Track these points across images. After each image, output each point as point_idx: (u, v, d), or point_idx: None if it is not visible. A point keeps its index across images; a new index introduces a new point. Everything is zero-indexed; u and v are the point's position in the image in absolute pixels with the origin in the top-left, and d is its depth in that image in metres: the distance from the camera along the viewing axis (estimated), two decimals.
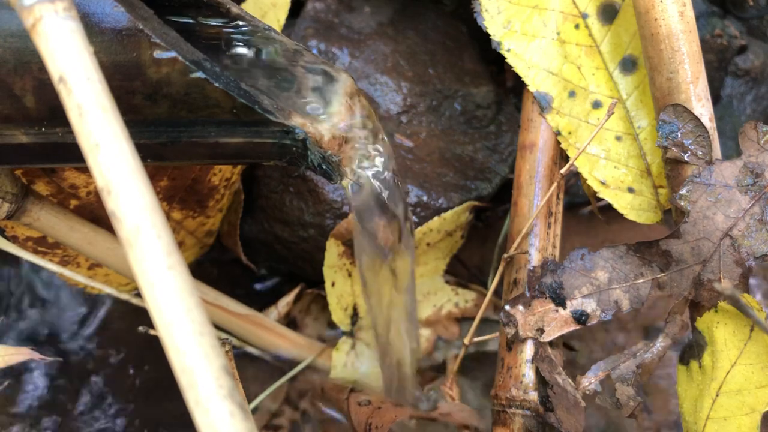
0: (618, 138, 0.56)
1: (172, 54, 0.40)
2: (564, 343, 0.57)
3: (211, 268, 0.76)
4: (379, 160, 0.49)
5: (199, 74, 0.40)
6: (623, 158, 0.56)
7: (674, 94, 0.51)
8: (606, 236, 0.75)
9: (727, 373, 0.48)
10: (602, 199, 0.57)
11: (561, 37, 0.57)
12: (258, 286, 0.76)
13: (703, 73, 0.51)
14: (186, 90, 0.41)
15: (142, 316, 0.68)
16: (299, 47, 0.48)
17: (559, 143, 0.57)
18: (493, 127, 0.71)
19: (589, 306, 0.51)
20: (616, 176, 0.56)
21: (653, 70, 0.52)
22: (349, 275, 0.67)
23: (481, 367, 0.71)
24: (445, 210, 0.66)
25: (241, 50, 0.48)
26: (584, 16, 0.57)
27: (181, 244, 0.67)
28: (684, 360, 0.51)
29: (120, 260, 0.57)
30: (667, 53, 0.51)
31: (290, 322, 0.72)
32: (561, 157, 0.58)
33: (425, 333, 0.72)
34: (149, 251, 0.28)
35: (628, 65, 0.56)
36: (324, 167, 0.47)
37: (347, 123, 0.47)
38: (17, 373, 0.68)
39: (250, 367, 0.69)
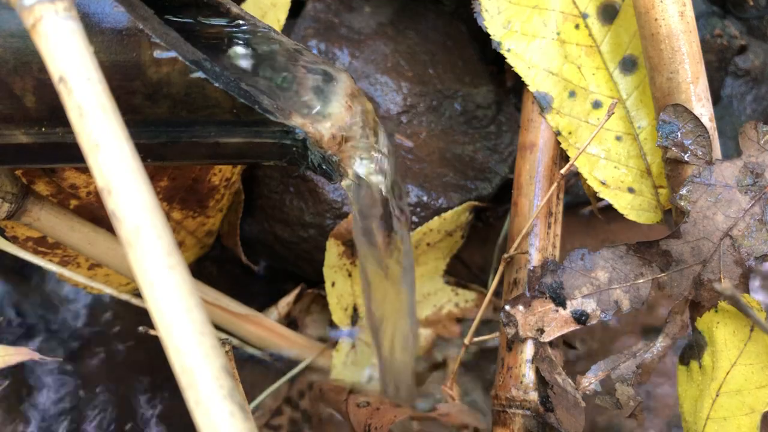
0: (618, 138, 0.56)
1: (172, 54, 0.40)
2: (564, 341, 0.57)
3: (211, 268, 0.76)
4: (379, 160, 0.49)
5: (199, 74, 0.40)
6: (623, 158, 0.56)
7: (674, 94, 0.51)
8: (606, 236, 0.75)
9: (727, 373, 0.48)
10: (602, 199, 0.57)
11: (561, 37, 0.57)
12: (258, 286, 0.76)
13: (703, 73, 0.51)
14: (186, 90, 0.41)
15: (142, 316, 0.68)
16: (299, 47, 0.48)
17: (559, 143, 0.57)
18: (493, 127, 0.71)
19: (589, 306, 0.51)
20: (616, 176, 0.56)
21: (653, 70, 0.52)
22: (349, 275, 0.67)
23: (481, 367, 0.71)
24: (445, 210, 0.66)
25: (242, 50, 0.48)
26: (584, 16, 0.57)
27: (181, 244, 0.67)
28: (684, 360, 0.51)
29: (120, 260, 0.57)
30: (667, 53, 0.51)
31: (290, 322, 0.72)
32: (561, 157, 0.58)
33: (425, 333, 0.72)
34: (149, 251, 0.28)
35: (628, 65, 0.56)
36: (324, 167, 0.47)
37: (347, 123, 0.47)
38: (18, 373, 0.68)
39: (250, 367, 0.69)
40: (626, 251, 0.51)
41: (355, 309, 0.69)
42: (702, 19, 0.73)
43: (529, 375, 0.53)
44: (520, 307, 0.52)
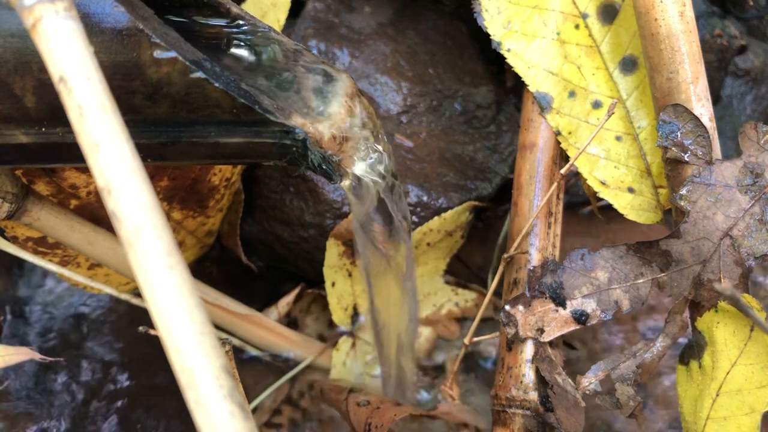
0: (618, 138, 0.56)
1: (173, 54, 0.40)
2: (564, 341, 0.57)
3: (211, 268, 0.76)
4: (379, 160, 0.49)
5: (200, 74, 0.40)
6: (623, 158, 0.56)
7: (674, 94, 0.51)
8: (606, 236, 0.75)
9: (727, 373, 0.48)
10: (602, 199, 0.57)
11: (561, 37, 0.57)
12: (258, 286, 0.76)
13: (703, 73, 0.51)
14: (186, 90, 0.41)
15: (142, 316, 0.68)
16: (299, 47, 0.48)
17: (559, 143, 0.57)
18: (493, 127, 0.71)
19: (589, 306, 0.51)
20: (616, 176, 0.56)
21: (653, 70, 0.52)
22: (349, 275, 0.67)
23: (481, 367, 0.71)
24: (445, 210, 0.66)
25: (242, 50, 0.48)
26: (584, 16, 0.57)
27: (181, 244, 0.67)
28: (684, 360, 0.51)
29: (120, 260, 0.57)
30: (667, 53, 0.51)
31: (290, 322, 0.72)
32: (561, 157, 0.58)
33: (425, 332, 0.72)
34: (149, 251, 0.28)
35: (628, 65, 0.56)
36: (324, 167, 0.47)
37: (347, 123, 0.47)
38: (17, 372, 0.68)
39: (250, 367, 0.69)
40: (626, 251, 0.51)
41: (355, 309, 0.69)
42: (702, 19, 0.73)
43: (529, 375, 0.53)
44: (520, 307, 0.52)
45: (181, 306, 0.28)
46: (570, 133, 0.56)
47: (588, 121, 0.56)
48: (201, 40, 0.46)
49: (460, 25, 0.73)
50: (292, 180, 0.66)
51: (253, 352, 0.69)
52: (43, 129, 0.41)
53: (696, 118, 0.50)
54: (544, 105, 0.57)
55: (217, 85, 0.41)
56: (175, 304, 0.28)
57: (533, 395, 0.52)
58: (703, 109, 0.51)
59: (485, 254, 0.75)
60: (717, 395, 0.48)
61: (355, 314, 0.69)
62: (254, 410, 0.68)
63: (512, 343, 0.54)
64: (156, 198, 0.29)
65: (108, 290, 0.60)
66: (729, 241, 0.49)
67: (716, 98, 0.76)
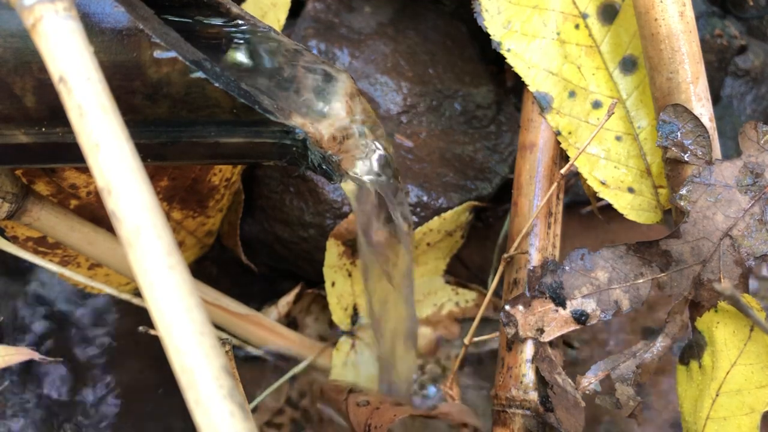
0: (618, 138, 0.56)
1: (172, 54, 0.40)
2: (564, 341, 0.57)
3: (211, 268, 0.76)
4: (379, 160, 0.49)
5: (200, 74, 0.41)
6: (623, 158, 0.56)
7: (674, 94, 0.51)
8: (606, 236, 0.75)
9: (727, 373, 0.48)
10: (602, 199, 0.57)
11: (561, 37, 0.57)
12: (258, 286, 0.76)
13: (703, 73, 0.51)
14: (186, 90, 0.41)
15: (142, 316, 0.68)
16: (299, 47, 0.48)
17: (559, 143, 0.57)
18: (493, 127, 0.71)
19: (589, 306, 0.51)
20: (616, 176, 0.56)
21: (653, 70, 0.52)
22: (349, 275, 0.67)
23: (481, 367, 0.71)
24: (445, 210, 0.66)
25: (242, 50, 0.48)
26: (584, 16, 0.57)
27: (181, 244, 0.67)
28: (684, 360, 0.51)
29: (120, 260, 0.57)
30: (667, 53, 0.51)
31: (290, 322, 0.72)
32: (561, 157, 0.58)
33: (425, 332, 0.72)
34: (149, 251, 0.28)
35: (628, 65, 0.56)
36: (324, 167, 0.47)
37: (347, 123, 0.47)
38: (17, 373, 0.68)
39: (250, 367, 0.69)
40: (626, 251, 0.51)
41: (355, 309, 0.69)
42: (702, 19, 0.73)
43: (529, 375, 0.53)
44: (520, 307, 0.52)
45: (181, 306, 0.28)
46: (570, 133, 0.56)
47: (588, 121, 0.56)
48: (201, 40, 0.46)
49: (460, 25, 0.73)
50: (292, 180, 0.66)
51: (253, 351, 0.69)
52: (43, 129, 0.41)
53: (696, 118, 0.50)
54: (544, 105, 0.57)
55: (217, 85, 0.41)
56: (175, 304, 0.28)
57: (533, 395, 0.52)
58: (703, 109, 0.51)
59: (485, 254, 0.75)
60: (717, 395, 0.48)
61: (355, 314, 0.69)
62: (254, 410, 0.68)
63: (512, 343, 0.54)
64: (156, 198, 0.29)
65: (108, 290, 0.60)
66: (729, 241, 0.49)
67: (716, 98, 0.76)
